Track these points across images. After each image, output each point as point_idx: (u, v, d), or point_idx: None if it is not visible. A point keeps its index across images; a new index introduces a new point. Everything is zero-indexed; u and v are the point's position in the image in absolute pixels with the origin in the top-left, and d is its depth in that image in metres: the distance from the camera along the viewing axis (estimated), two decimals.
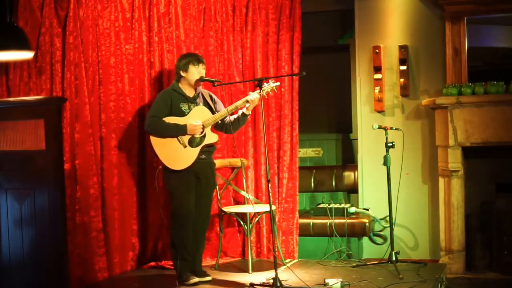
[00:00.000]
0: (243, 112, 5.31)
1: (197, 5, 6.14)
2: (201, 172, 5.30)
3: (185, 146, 5.19)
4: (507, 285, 5.68)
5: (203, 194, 5.33)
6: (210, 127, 5.28)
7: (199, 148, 5.22)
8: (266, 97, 5.44)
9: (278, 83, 5.33)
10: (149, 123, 5.23)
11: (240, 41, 6.24)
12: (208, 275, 5.31)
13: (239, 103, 5.30)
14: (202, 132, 5.22)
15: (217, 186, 5.85)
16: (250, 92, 5.30)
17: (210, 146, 5.32)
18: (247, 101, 5.25)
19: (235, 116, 5.37)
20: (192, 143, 5.22)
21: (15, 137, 4.62)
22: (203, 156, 5.28)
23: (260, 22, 6.21)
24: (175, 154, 5.20)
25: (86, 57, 5.43)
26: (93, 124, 5.43)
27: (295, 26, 6.18)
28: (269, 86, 5.25)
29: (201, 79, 5.36)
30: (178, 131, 5.19)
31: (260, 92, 5.18)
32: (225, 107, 6.07)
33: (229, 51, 6.21)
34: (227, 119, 5.37)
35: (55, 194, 4.50)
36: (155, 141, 5.23)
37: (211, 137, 5.29)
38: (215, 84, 5.38)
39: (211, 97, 5.47)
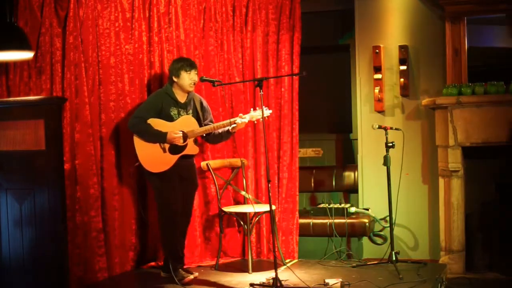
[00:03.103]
0: (228, 130, 5.36)
1: (197, 5, 6.14)
2: (185, 172, 5.38)
3: (164, 151, 5.24)
4: (507, 285, 5.68)
5: (185, 194, 5.40)
6: (193, 138, 5.32)
7: (177, 156, 5.27)
8: (255, 123, 5.54)
9: (270, 111, 5.46)
10: (134, 124, 5.27)
11: (240, 41, 6.24)
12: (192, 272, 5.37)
13: (226, 122, 5.34)
14: (184, 142, 5.26)
15: (217, 184, 5.86)
16: (241, 114, 5.36)
17: (189, 155, 5.37)
18: (235, 123, 5.30)
19: (220, 130, 5.41)
20: (172, 150, 5.26)
21: (15, 137, 4.62)
22: (183, 160, 5.33)
23: (260, 22, 6.21)
24: (154, 157, 5.26)
25: (86, 57, 5.43)
26: (93, 124, 5.43)
27: (295, 26, 6.18)
28: (259, 113, 5.26)
29: (201, 79, 5.38)
30: (159, 138, 5.23)
31: (249, 116, 5.30)
32: (224, 107, 6.09)
33: (229, 51, 6.21)
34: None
35: (55, 194, 4.50)
36: (137, 141, 5.28)
37: (192, 149, 5.35)
38: (215, 84, 5.39)
39: (201, 104, 5.49)
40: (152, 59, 5.91)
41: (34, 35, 5.32)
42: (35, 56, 5.26)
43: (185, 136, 5.27)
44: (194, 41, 6.10)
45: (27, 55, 4.86)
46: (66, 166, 5.17)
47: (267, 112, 5.38)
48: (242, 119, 5.31)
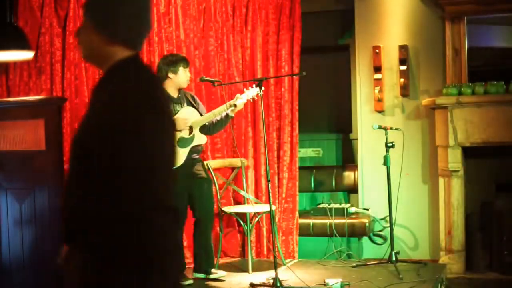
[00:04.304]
0: (227, 114, 5.29)
1: (197, 5, 6.14)
2: (195, 171, 5.30)
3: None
4: (507, 285, 5.68)
5: (202, 193, 5.32)
6: (198, 128, 5.27)
7: (188, 148, 5.21)
8: (252, 101, 5.46)
9: (257, 89, 5.20)
10: None
11: (240, 41, 6.24)
12: (218, 272, 5.35)
13: (224, 107, 5.26)
14: (191, 133, 5.21)
15: (217, 184, 5.85)
16: (238, 95, 5.28)
17: (199, 146, 5.32)
18: (235, 105, 5.22)
19: (218, 117, 5.35)
20: (180, 143, 5.21)
21: (15, 137, 4.63)
22: (195, 156, 5.28)
23: (260, 22, 6.21)
24: None
25: None
26: None
27: (295, 26, 6.18)
28: (254, 91, 5.21)
29: (201, 79, 5.37)
30: None
31: (246, 95, 5.20)
32: None
33: (229, 51, 6.21)
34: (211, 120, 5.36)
35: (55, 194, 4.50)
36: None
37: (200, 139, 5.29)
38: (215, 84, 5.38)
39: (193, 99, 5.45)
40: (152, 59, 5.91)
41: (34, 35, 5.33)
42: (35, 56, 5.26)
43: (190, 127, 5.24)
44: (194, 41, 6.10)
45: (27, 55, 4.87)
46: (66, 166, 5.17)
47: (255, 90, 5.24)
48: (241, 100, 5.22)
